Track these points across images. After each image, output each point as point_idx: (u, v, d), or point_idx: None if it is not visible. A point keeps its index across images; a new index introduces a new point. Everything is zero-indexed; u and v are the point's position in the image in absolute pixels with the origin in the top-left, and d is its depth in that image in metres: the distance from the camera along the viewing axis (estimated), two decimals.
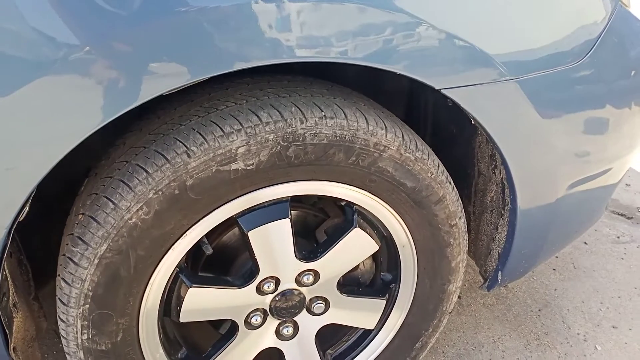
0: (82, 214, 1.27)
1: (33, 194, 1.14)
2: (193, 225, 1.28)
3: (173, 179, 1.20)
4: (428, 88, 1.29)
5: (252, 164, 1.25)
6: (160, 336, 1.41)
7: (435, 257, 1.57)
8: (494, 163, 1.64)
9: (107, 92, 1.06)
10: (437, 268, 1.60)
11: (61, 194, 1.53)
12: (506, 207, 1.63)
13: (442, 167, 1.48)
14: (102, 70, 1.04)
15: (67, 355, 1.35)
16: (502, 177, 1.61)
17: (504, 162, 1.51)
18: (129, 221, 1.21)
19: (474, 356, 2.06)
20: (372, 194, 1.41)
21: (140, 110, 1.17)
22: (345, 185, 1.38)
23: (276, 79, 1.39)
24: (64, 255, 1.28)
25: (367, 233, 1.46)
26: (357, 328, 1.70)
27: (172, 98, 1.34)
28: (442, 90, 1.28)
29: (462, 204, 1.56)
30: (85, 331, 1.29)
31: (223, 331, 1.59)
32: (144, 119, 1.37)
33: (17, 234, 1.41)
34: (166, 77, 1.08)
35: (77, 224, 1.27)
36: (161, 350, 1.42)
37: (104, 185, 1.25)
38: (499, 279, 1.74)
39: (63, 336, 1.32)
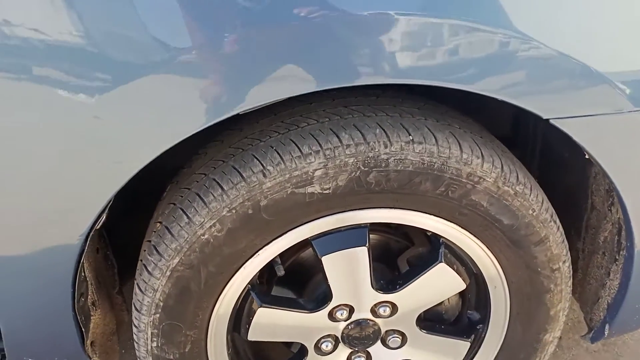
0: (160, 222, 1.27)
1: (111, 202, 1.15)
2: (265, 245, 1.23)
3: (247, 198, 1.16)
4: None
5: (329, 188, 1.17)
6: (228, 350, 1.39)
7: (531, 302, 1.40)
8: (610, 199, 1.42)
9: (213, 95, 1.04)
10: (533, 315, 1.42)
11: (152, 190, 1.56)
12: (621, 252, 1.41)
13: (546, 204, 1.31)
14: (211, 72, 1.02)
15: (138, 359, 1.37)
16: (619, 217, 1.39)
17: (620, 202, 1.30)
18: (202, 237, 1.19)
19: None
20: (462, 227, 1.28)
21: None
22: (432, 217, 1.26)
23: (364, 94, 1.30)
24: (141, 261, 1.29)
25: (454, 269, 1.33)
26: None
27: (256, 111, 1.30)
28: (551, 121, 1.12)
29: (567, 246, 1.37)
30: (155, 339, 1.30)
31: (294, 349, 1.54)
32: (227, 129, 1.34)
33: (106, 228, 1.45)
34: (283, 84, 1.04)
35: (154, 232, 1.27)
36: None
37: (182, 197, 1.24)
38: (606, 332, 1.52)
39: (135, 340, 1.34)
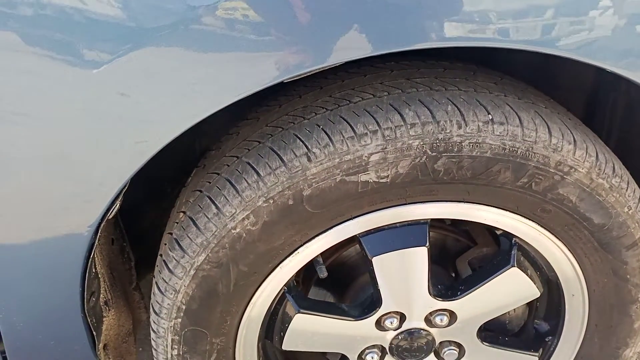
0: (184, 212, 1.08)
1: (125, 187, 0.96)
2: (307, 242, 1.04)
3: (288, 186, 0.96)
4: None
5: (387, 176, 0.97)
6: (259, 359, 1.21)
7: (613, 313, 1.20)
8: None
9: (250, 62, 0.87)
10: (614, 327, 1.22)
11: (176, 175, 1.37)
12: None
13: None
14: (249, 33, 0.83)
15: None
16: None
17: None
18: (232, 231, 1.00)
19: None
20: (542, 226, 1.07)
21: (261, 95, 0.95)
22: (507, 213, 1.06)
23: (428, 66, 1.09)
24: (161, 256, 1.11)
25: (527, 274, 1.12)
26: None
27: (297, 82, 1.10)
28: None
29: None
30: (176, 347, 1.12)
31: (333, 359, 1.35)
32: (263, 105, 1.14)
33: (122, 217, 1.28)
34: (338, 49, 0.86)
35: (177, 223, 1.09)
36: None
37: (209, 183, 1.05)
38: None
39: (153, 347, 1.16)
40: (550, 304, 1.27)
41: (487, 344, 1.23)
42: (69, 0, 0.81)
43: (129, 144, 0.92)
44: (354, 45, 0.87)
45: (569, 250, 1.10)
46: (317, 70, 0.89)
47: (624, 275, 1.14)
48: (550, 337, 1.28)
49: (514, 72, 1.19)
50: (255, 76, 0.88)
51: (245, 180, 0.99)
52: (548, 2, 0.87)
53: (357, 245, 1.11)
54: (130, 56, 0.84)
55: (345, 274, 1.25)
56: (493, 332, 1.29)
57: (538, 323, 1.30)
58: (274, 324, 1.18)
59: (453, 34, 0.87)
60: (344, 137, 0.96)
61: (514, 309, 1.29)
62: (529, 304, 1.30)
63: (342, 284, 1.29)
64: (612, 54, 0.90)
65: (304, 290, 1.28)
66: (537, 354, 1.26)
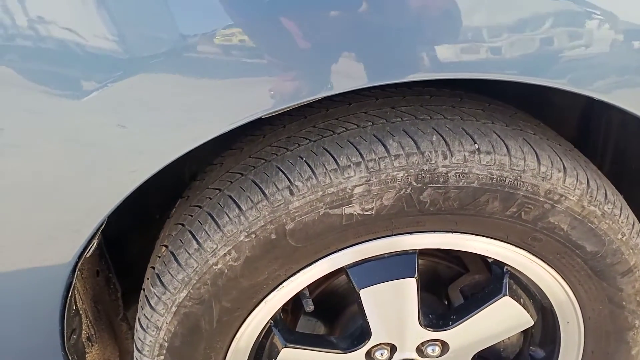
0: (166, 246, 1.05)
1: (103, 225, 0.94)
2: (291, 276, 1.01)
3: (270, 220, 0.94)
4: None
5: (372, 208, 0.94)
6: None
7: (610, 341, 1.16)
8: None
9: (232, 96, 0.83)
10: (611, 354, 1.19)
11: (163, 202, 1.34)
12: None
13: (638, 226, 1.07)
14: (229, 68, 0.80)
15: None
16: None
17: None
18: (214, 267, 0.97)
19: None
20: (533, 255, 1.04)
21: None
22: (497, 242, 1.03)
23: (415, 93, 1.06)
24: (143, 291, 1.08)
25: (520, 303, 1.09)
26: None
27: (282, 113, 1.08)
28: None
29: None
30: None
31: None
32: (248, 135, 1.11)
33: (108, 246, 1.25)
34: (332, 78, 0.83)
35: (159, 257, 1.06)
36: None
37: (191, 216, 1.02)
38: None
39: None
40: (545, 330, 1.23)
41: None
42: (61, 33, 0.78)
43: (103, 178, 0.88)
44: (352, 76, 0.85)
45: (562, 278, 1.07)
46: (309, 102, 0.86)
47: (620, 302, 1.10)
48: None
49: (505, 93, 1.16)
50: (246, 106, 0.85)
51: (227, 214, 0.96)
52: (539, 33, 0.85)
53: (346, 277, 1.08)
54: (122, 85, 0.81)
55: (335, 304, 1.22)
56: (487, 359, 1.26)
57: (534, 350, 1.27)
58: (261, 358, 1.15)
59: (449, 65, 0.84)
60: (326, 169, 0.93)
61: (509, 337, 1.25)
62: (525, 331, 1.26)
63: (332, 314, 1.26)
64: (601, 85, 0.87)
65: (292, 320, 1.26)
66: None
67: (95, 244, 0.95)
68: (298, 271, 1.01)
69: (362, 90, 1.07)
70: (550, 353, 1.23)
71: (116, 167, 0.87)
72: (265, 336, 1.12)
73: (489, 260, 1.12)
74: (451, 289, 1.22)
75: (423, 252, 1.20)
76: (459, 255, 1.24)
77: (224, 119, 0.84)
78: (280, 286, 1.02)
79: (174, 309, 1.00)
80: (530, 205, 0.96)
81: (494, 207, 0.96)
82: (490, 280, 1.14)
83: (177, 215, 1.09)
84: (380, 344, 1.12)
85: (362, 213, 0.94)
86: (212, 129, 0.84)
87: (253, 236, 0.95)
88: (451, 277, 1.23)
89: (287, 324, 1.17)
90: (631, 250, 1.05)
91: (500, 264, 1.09)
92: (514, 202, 0.96)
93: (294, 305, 1.25)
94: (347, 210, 0.94)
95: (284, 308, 1.23)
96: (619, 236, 1.03)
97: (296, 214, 0.93)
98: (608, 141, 1.41)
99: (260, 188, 0.94)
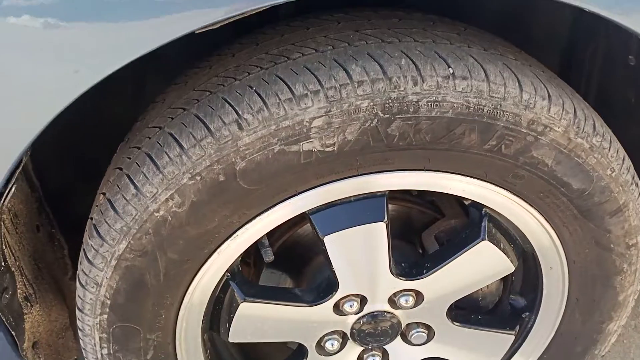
0: (103, 194, 0.93)
1: (19, 167, 0.81)
2: (246, 223, 0.91)
3: (217, 159, 0.82)
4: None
5: (333, 144, 0.83)
6: (206, 353, 1.08)
7: (596, 286, 1.09)
8: None
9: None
10: (597, 301, 1.11)
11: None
12: None
13: (628, 162, 0.98)
14: None
15: None
16: None
17: None
18: (156, 214, 0.85)
19: None
20: (514, 194, 0.94)
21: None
22: (475, 181, 0.92)
23: (381, 16, 0.93)
24: (82, 245, 0.97)
25: (499, 248, 1.00)
26: None
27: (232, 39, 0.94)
28: None
29: None
30: (105, 345, 0.99)
31: (293, 346, 1.23)
32: (195, 67, 0.98)
33: (53, 202, 1.13)
34: None
35: (97, 206, 0.94)
36: None
37: (129, 159, 0.90)
38: None
39: (82, 346, 1.03)
40: (526, 278, 1.16)
41: (458, 324, 1.12)
42: None
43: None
44: None
45: (546, 219, 0.98)
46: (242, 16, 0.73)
47: (607, 244, 1.02)
48: (527, 314, 1.17)
49: (482, 25, 1.04)
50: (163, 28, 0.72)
51: (167, 154, 0.84)
52: None
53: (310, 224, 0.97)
54: None
55: (301, 255, 1.12)
56: (465, 310, 1.17)
57: (514, 299, 1.19)
58: (219, 313, 1.05)
59: None
60: (280, 99, 0.81)
61: (488, 285, 1.17)
62: (504, 279, 1.18)
63: (298, 266, 1.16)
64: None
65: (255, 274, 1.16)
66: (513, 332, 1.15)
67: (13, 188, 0.82)
68: (253, 218, 0.90)
69: (323, 13, 0.95)
70: (532, 301, 1.16)
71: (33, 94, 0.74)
72: (223, 291, 1.02)
73: (466, 203, 1.02)
74: (425, 235, 1.12)
75: (394, 197, 1.10)
76: (434, 200, 1.14)
77: (153, 37, 0.71)
78: (235, 235, 0.91)
79: (113, 262, 0.89)
80: (511, 138, 0.86)
81: (471, 140, 0.85)
82: (468, 224, 1.04)
83: (116, 159, 0.97)
84: (349, 296, 1.03)
85: (322, 150, 0.83)
86: (138, 48, 0.71)
87: (198, 178, 0.83)
88: (425, 224, 1.14)
89: (247, 277, 1.07)
90: (621, 188, 0.96)
91: (478, 206, 0.99)
92: (494, 134, 0.85)
93: (256, 256, 1.15)
94: (306, 146, 0.82)
95: (245, 261, 1.13)
96: (608, 172, 0.93)
97: (247, 152, 0.82)
98: (592, 75, 1.30)
99: (204, 123, 0.82)
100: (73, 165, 1.30)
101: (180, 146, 0.83)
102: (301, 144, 0.82)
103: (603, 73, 1.27)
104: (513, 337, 1.16)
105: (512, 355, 1.21)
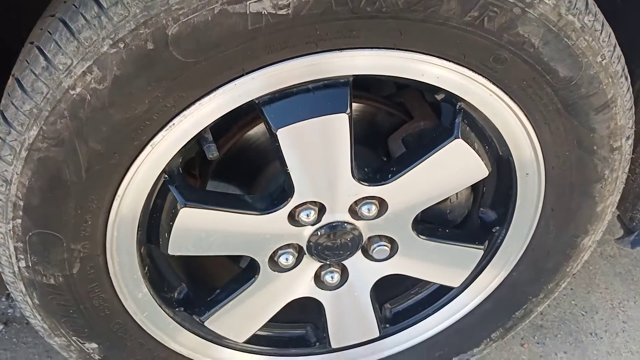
0: (12, 75, 0.77)
1: None
2: (185, 109, 0.77)
3: (143, 21, 0.67)
4: None
5: (288, 5, 0.68)
6: (144, 269, 0.96)
7: (574, 195, 1.01)
8: None
9: None
10: (574, 211, 1.04)
11: None
12: None
13: (619, 50, 0.87)
14: None
15: (6, 285, 0.92)
16: None
17: None
18: (71, 92, 0.71)
19: (583, 324, 1.54)
20: (494, 83, 0.83)
21: None
22: (451, 65, 0.81)
23: None
24: None
25: (474, 149, 0.89)
26: None
27: None
28: None
29: (634, 114, 0.95)
30: (22, 256, 0.85)
31: (243, 264, 1.12)
32: None
33: None
34: None
35: (7, 87, 0.78)
36: (145, 290, 0.97)
37: (41, 29, 0.74)
38: None
39: None
40: (499, 188, 1.07)
41: (424, 237, 1.03)
42: None
43: None
44: None
45: (526, 115, 0.88)
46: None
47: (590, 146, 0.93)
48: (497, 228, 1.09)
49: None
50: None
51: (83, 15, 0.68)
52: None
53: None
54: None
55: (252, 157, 1.00)
56: (431, 224, 1.08)
57: (484, 212, 1.11)
58: (158, 223, 0.92)
59: None
60: None
61: (457, 196, 1.08)
62: (474, 190, 1.10)
63: (249, 177, 1.04)
64: None
65: (201, 180, 1.03)
66: (482, 247, 1.08)
67: None
68: (192, 103, 0.77)
69: None
70: (503, 214, 1.08)
71: None
72: (160, 196, 0.89)
73: (439, 99, 0.91)
74: (392, 139, 1.02)
75: (359, 96, 0.98)
76: (402, 101, 1.02)
77: None
78: (171, 123, 0.78)
79: (23, 153, 0.75)
80: (495, 9, 0.74)
81: (450, 9, 0.73)
82: (439, 125, 0.93)
83: (32, 34, 0.80)
84: (305, 203, 0.92)
85: (274, 12, 0.69)
86: None
87: (121, 45, 0.68)
88: (393, 127, 1.02)
89: (189, 181, 0.94)
90: (610, 79, 0.86)
91: (452, 100, 0.88)
92: (476, 3, 0.73)
93: (202, 165, 1.02)
94: (254, 6, 0.68)
95: (190, 172, 0.99)
96: (599, 59, 0.83)
97: (180, 12, 0.67)
98: None
99: None
100: None
101: (99, 5, 0.68)
102: (248, 3, 0.68)
103: None
104: (482, 252, 1.08)
105: (480, 272, 1.13)
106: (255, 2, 0.68)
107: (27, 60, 0.74)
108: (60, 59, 0.69)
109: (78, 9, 0.69)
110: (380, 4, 0.71)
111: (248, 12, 0.68)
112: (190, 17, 0.67)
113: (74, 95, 0.71)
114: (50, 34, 0.71)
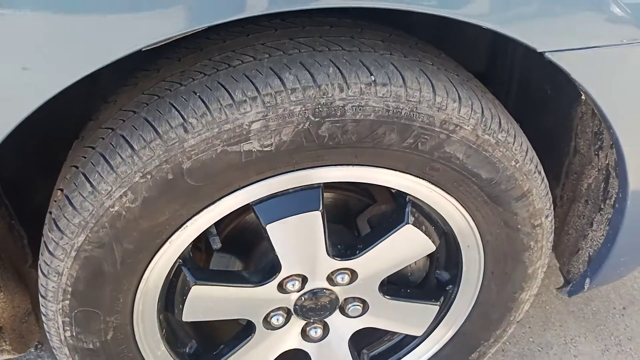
0: (61, 190, 1.01)
1: None
2: (194, 215, 1.00)
3: (165, 159, 0.91)
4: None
5: (271, 144, 0.93)
6: (162, 332, 1.18)
7: (508, 261, 1.24)
8: (598, 143, 1.24)
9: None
10: (509, 274, 1.26)
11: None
12: (607, 201, 1.25)
13: (531, 153, 1.11)
14: None
15: (52, 349, 1.15)
16: (607, 164, 1.22)
17: (616, 147, 1.11)
18: (111, 209, 0.94)
19: (539, 358, 1.75)
20: (432, 184, 1.07)
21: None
22: (397, 173, 1.04)
23: (315, 23, 1.03)
24: (42, 237, 1.04)
25: (422, 230, 1.13)
26: None
27: (177, 43, 1.02)
28: (546, 54, 0.89)
29: (551, 199, 1.19)
30: (68, 328, 1.07)
31: (243, 322, 1.35)
32: (144, 69, 1.06)
33: (11, 193, 1.19)
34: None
35: (55, 201, 1.02)
36: (163, 348, 1.19)
37: (85, 158, 0.98)
38: (585, 287, 1.39)
39: (46, 329, 1.11)
40: (449, 254, 1.30)
41: (389, 297, 1.26)
42: None
43: None
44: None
45: (461, 204, 1.12)
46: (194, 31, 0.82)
47: (515, 225, 1.17)
48: (450, 286, 1.32)
49: (413, 31, 1.15)
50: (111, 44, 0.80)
51: (120, 155, 0.92)
52: None
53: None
54: None
55: (246, 240, 1.23)
56: (396, 285, 1.31)
57: (439, 273, 1.34)
58: (173, 296, 1.15)
59: None
60: (222, 105, 0.90)
61: (416, 262, 1.31)
62: (430, 256, 1.33)
63: (246, 250, 1.27)
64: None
65: (207, 258, 1.26)
66: (438, 303, 1.30)
67: None
68: (201, 210, 1.00)
69: (262, 20, 1.04)
70: (455, 275, 1.30)
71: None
72: (176, 275, 1.12)
73: (393, 192, 1.15)
74: (359, 219, 1.25)
75: (332, 186, 1.22)
76: (367, 188, 1.26)
77: (103, 54, 0.79)
78: (184, 226, 1.01)
79: (73, 253, 0.98)
80: (426, 136, 0.98)
81: (391, 139, 0.97)
82: (395, 209, 1.17)
83: (72, 157, 1.04)
84: (291, 276, 1.15)
85: (261, 149, 0.93)
86: (88, 64, 0.79)
87: (149, 176, 0.92)
88: (360, 209, 1.26)
89: (198, 262, 1.17)
90: (525, 176, 1.10)
91: (402, 194, 1.12)
92: (411, 133, 0.97)
93: (207, 242, 1.25)
94: (246, 147, 0.92)
95: (197, 246, 1.23)
96: (513, 163, 1.07)
97: (192, 153, 0.91)
98: (513, 75, 1.45)
99: (152, 126, 0.91)
100: (29, 158, 1.36)
101: (132, 147, 0.92)
102: (242, 144, 0.92)
103: (524, 68, 1.41)
104: (438, 308, 1.31)
105: (439, 323, 1.36)
106: (247, 143, 0.92)
107: (75, 183, 0.97)
108: (103, 187, 0.93)
109: (115, 148, 0.93)
110: (339, 139, 0.95)
111: (242, 150, 0.92)
112: (199, 155, 0.91)
113: (113, 212, 0.94)
114: (94, 165, 0.95)
